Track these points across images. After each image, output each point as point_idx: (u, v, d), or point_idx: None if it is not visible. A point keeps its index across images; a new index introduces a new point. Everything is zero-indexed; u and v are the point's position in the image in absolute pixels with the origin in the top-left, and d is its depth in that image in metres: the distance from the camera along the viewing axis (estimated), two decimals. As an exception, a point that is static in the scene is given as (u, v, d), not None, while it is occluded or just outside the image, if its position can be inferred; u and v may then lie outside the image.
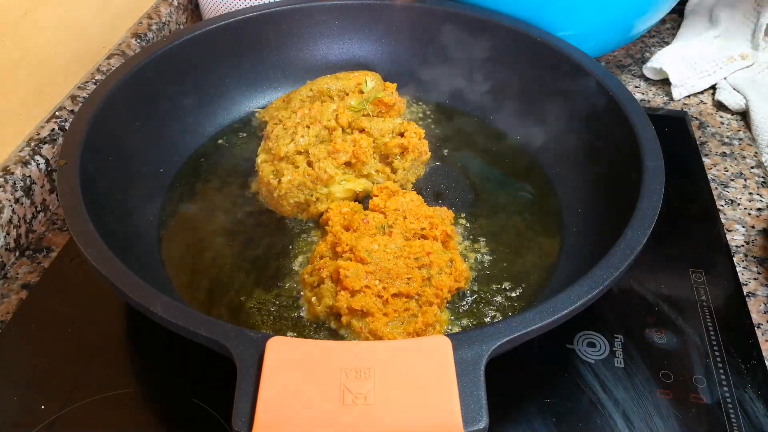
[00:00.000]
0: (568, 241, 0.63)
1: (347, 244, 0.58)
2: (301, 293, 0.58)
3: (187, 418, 0.50)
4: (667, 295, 0.60)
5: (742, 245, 0.67)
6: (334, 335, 0.55)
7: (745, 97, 0.86)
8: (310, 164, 0.65)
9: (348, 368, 0.39)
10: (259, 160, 0.68)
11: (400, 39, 0.83)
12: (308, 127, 0.67)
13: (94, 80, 0.79)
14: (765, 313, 0.60)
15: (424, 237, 0.59)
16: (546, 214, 0.67)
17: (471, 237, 0.64)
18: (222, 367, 0.44)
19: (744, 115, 0.86)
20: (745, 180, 0.76)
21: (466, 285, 0.59)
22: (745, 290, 0.62)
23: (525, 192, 0.70)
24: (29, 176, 0.66)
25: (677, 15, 1.05)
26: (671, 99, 0.89)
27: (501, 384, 0.47)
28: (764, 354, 0.56)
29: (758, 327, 0.59)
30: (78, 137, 0.58)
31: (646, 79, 0.94)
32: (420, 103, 0.82)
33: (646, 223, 0.51)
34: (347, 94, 0.73)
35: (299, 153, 0.66)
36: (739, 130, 0.84)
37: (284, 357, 0.40)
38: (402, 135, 0.68)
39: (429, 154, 0.70)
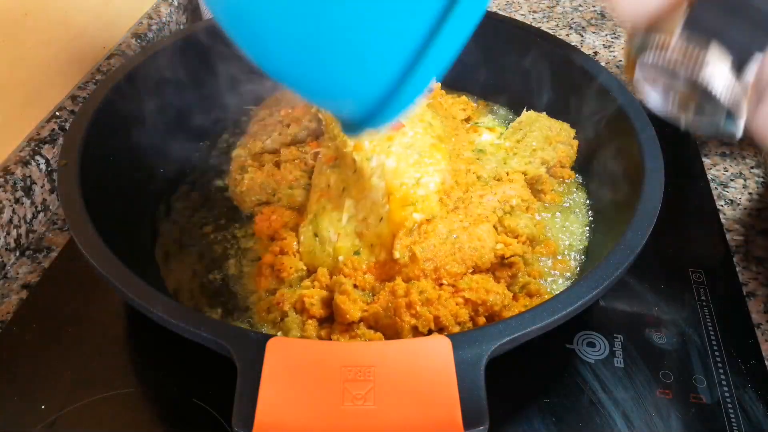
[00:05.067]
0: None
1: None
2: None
3: (187, 418, 0.50)
4: (667, 295, 0.60)
5: (742, 245, 0.67)
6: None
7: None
8: (278, 164, 0.65)
9: (348, 368, 0.39)
10: (233, 154, 0.69)
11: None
12: (288, 126, 0.67)
13: (94, 80, 0.79)
14: (765, 313, 0.60)
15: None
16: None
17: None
18: (222, 367, 0.43)
19: (744, 115, 0.86)
20: (745, 180, 0.76)
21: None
22: (745, 290, 0.62)
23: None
24: (29, 176, 0.66)
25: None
26: (671, 99, 0.89)
27: (501, 384, 0.46)
28: (764, 354, 0.56)
29: (758, 327, 0.59)
30: (78, 137, 0.58)
31: (646, 79, 0.94)
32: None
33: (646, 223, 0.51)
34: None
35: (271, 152, 0.65)
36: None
37: (284, 357, 0.40)
38: None
39: None
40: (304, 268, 0.58)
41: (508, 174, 0.64)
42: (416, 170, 0.58)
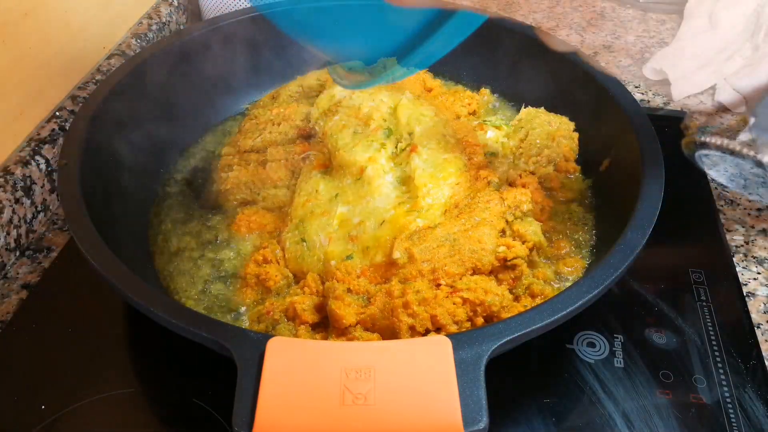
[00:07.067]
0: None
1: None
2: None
3: (187, 418, 0.50)
4: (667, 295, 0.60)
5: (742, 245, 0.67)
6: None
7: (744, 98, 0.86)
8: (263, 163, 0.65)
9: (348, 368, 0.39)
10: (222, 152, 0.69)
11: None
12: (278, 125, 0.66)
13: (94, 80, 0.79)
14: (765, 313, 0.60)
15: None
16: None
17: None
18: (222, 367, 0.43)
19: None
20: (745, 180, 0.76)
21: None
22: (745, 290, 0.62)
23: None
24: (29, 176, 0.66)
25: (677, 15, 1.05)
26: (671, 99, 0.89)
27: (501, 384, 0.46)
28: (764, 354, 0.56)
29: (758, 327, 0.59)
30: (78, 137, 0.58)
31: (646, 80, 0.94)
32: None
33: (646, 223, 0.51)
34: None
35: (258, 151, 0.65)
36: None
37: (285, 357, 0.40)
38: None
39: None
40: (290, 275, 0.58)
41: (521, 176, 0.64)
42: (428, 181, 0.58)
